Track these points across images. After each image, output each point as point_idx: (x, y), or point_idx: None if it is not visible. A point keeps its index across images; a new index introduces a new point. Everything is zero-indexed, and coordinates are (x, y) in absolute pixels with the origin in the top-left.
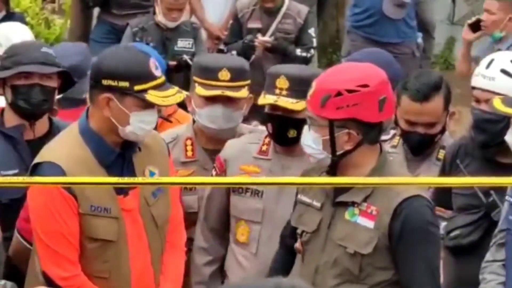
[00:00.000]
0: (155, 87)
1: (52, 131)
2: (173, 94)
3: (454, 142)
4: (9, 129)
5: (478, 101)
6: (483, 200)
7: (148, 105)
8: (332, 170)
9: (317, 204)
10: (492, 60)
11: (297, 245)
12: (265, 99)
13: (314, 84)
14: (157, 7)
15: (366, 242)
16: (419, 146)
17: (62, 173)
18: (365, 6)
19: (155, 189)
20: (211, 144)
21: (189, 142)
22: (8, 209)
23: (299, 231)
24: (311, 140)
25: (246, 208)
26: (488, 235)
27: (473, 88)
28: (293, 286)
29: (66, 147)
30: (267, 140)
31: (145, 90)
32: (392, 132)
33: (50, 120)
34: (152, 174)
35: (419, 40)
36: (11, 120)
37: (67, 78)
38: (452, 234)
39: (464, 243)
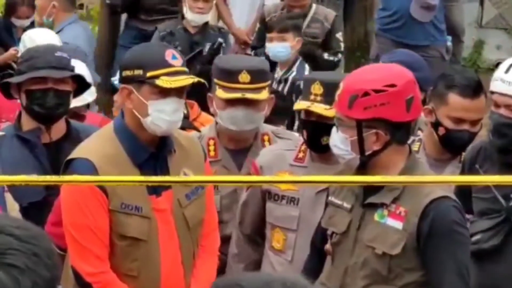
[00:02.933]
0: (168, 74)
1: (70, 134)
2: (184, 79)
3: (473, 146)
4: (26, 133)
5: (497, 105)
6: (503, 204)
7: (165, 94)
8: (362, 171)
9: (347, 205)
10: (511, 65)
11: (327, 246)
12: (299, 105)
13: (341, 85)
14: (184, 6)
15: (395, 243)
16: (465, 145)
17: (94, 169)
18: (393, 9)
19: (189, 191)
20: (233, 144)
21: (211, 142)
22: (28, 213)
23: (329, 232)
24: (339, 141)
25: (281, 215)
26: (509, 239)
27: (492, 92)
28: (284, 281)
29: (99, 144)
30: (303, 147)
31: (157, 76)
32: (412, 137)
33: (68, 123)
34: (185, 175)
35: (449, 43)
36: (28, 124)
37: (82, 81)
38: (473, 239)
39: (486, 247)
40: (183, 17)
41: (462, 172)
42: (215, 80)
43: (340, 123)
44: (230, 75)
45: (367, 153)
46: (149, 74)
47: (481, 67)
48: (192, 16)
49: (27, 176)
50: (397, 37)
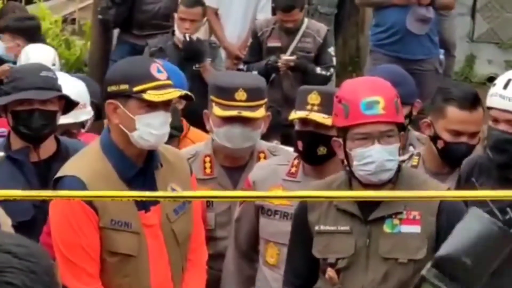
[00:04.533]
0: (155, 88)
1: (60, 152)
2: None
3: (469, 159)
4: (15, 152)
5: (496, 121)
6: (500, 218)
7: (152, 108)
8: (393, 178)
9: (345, 227)
10: (509, 80)
11: (331, 274)
12: (296, 115)
13: (379, 98)
14: (175, 24)
15: (418, 247)
16: (464, 158)
17: (83, 186)
18: (388, 23)
19: (177, 206)
20: (229, 162)
21: (207, 159)
22: (17, 232)
23: (331, 260)
24: (388, 153)
25: (275, 230)
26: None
27: (489, 108)
28: None
29: (86, 161)
30: (296, 161)
31: (144, 91)
32: (410, 151)
33: (58, 140)
34: (173, 190)
35: (441, 56)
36: (16, 143)
37: (69, 99)
38: None
39: None
40: (174, 33)
41: (458, 185)
42: (212, 97)
43: (389, 134)
44: (227, 93)
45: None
46: (135, 88)
47: (472, 82)
48: (179, 35)
49: (22, 191)
50: (393, 51)
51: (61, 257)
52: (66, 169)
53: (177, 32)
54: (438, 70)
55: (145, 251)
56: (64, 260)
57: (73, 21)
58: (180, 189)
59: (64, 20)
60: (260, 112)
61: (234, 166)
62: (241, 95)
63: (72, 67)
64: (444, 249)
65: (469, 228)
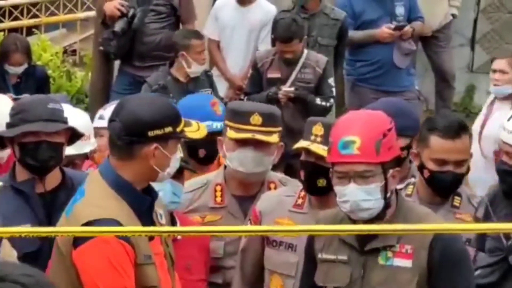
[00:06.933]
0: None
1: (65, 183)
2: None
3: (493, 186)
4: (20, 183)
5: (506, 153)
6: (504, 243)
7: (178, 144)
8: (383, 214)
9: (343, 257)
10: None
11: None
12: (300, 144)
13: (355, 138)
14: (184, 60)
15: (408, 281)
16: (450, 186)
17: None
18: (375, 58)
19: None
20: (240, 190)
21: (218, 188)
22: (23, 263)
23: None
24: (366, 193)
25: (280, 261)
26: (507, 277)
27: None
28: None
29: (107, 202)
30: (302, 193)
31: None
32: (407, 181)
33: (63, 171)
34: (160, 215)
35: (416, 86)
36: (22, 174)
37: (75, 131)
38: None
39: (482, 283)
40: (170, 66)
41: (486, 211)
42: (226, 122)
43: (366, 175)
44: (242, 117)
45: (388, 195)
46: (178, 129)
47: (472, 112)
48: (197, 68)
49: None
50: (378, 85)
51: None
52: (91, 214)
53: (194, 67)
54: (420, 98)
55: (159, 280)
56: None
57: (73, 52)
58: (162, 212)
59: (65, 51)
60: (274, 138)
61: (245, 195)
62: (256, 119)
63: (73, 98)
64: None
65: None
